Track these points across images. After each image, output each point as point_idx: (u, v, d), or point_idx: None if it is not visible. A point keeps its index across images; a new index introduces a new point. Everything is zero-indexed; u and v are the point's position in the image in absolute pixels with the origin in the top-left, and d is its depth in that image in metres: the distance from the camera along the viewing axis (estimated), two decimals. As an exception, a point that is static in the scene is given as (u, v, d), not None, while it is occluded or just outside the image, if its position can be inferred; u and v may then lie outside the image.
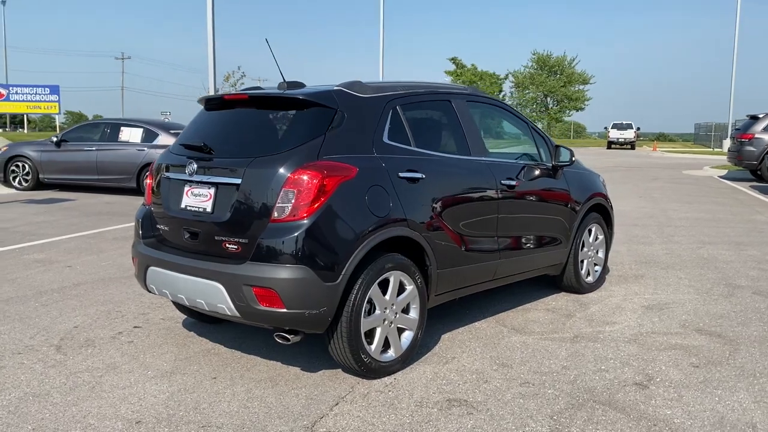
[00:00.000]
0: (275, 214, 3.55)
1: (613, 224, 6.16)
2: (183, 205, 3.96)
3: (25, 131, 57.68)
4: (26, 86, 50.15)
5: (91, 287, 5.91)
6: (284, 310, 3.51)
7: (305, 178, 3.54)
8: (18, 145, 13.79)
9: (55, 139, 13.27)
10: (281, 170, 3.57)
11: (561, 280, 5.69)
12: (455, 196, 4.33)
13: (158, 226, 4.17)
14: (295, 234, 3.50)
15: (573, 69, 67.46)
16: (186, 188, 3.97)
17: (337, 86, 4.06)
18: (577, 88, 67.81)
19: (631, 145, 45.65)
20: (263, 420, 3.32)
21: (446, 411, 3.43)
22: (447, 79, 74.92)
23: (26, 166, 13.22)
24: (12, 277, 6.25)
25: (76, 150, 13.01)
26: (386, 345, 3.92)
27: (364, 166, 3.78)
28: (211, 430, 3.21)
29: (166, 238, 4.12)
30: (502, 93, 73.62)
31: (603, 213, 5.97)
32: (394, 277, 3.88)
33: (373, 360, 3.79)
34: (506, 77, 73.26)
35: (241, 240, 3.64)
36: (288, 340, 3.67)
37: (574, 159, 5.33)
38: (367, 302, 3.76)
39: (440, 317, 4.99)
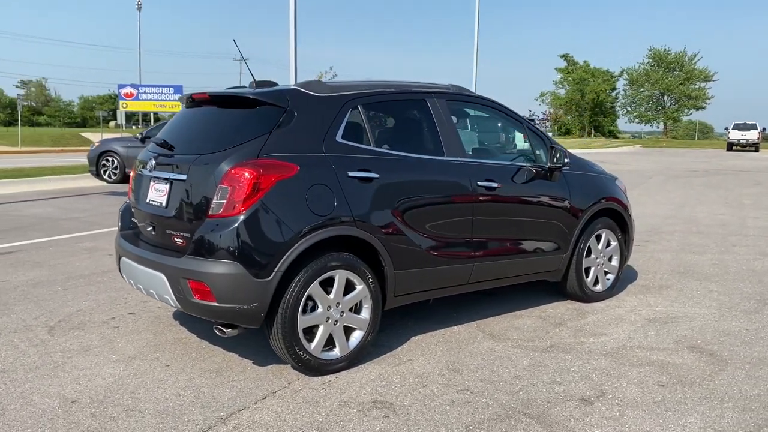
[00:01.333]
0: (212, 210, 3.66)
1: (630, 230, 5.78)
2: (148, 200, 4.17)
3: (151, 128, 61.92)
4: (153, 86, 53.14)
5: (115, 275, 6.27)
6: (216, 303, 3.62)
7: (242, 175, 3.62)
8: (108, 141, 14.86)
9: (139, 136, 14.20)
10: (219, 167, 3.67)
11: (564, 287, 5.43)
12: (417, 197, 4.24)
13: (132, 219, 4.42)
14: (228, 230, 3.59)
15: (693, 66, 63.45)
16: (151, 183, 4.17)
17: (293, 85, 4.11)
18: (697, 86, 63.78)
19: (754, 147, 42.30)
20: (186, 408, 3.44)
21: (364, 413, 3.40)
22: (557, 76, 72.99)
23: (115, 160, 14.23)
24: (54, 263, 6.79)
25: None
26: (331, 343, 3.93)
27: (306, 164, 3.80)
28: (133, 414, 3.37)
29: (136, 231, 4.35)
30: (616, 91, 70.74)
31: (617, 218, 5.64)
32: (339, 276, 3.88)
33: (311, 357, 3.81)
34: (620, 74, 70.38)
35: (184, 234, 3.79)
36: (224, 333, 3.76)
37: (567, 160, 5.06)
38: (309, 299, 3.80)
39: (419, 318, 4.93)
